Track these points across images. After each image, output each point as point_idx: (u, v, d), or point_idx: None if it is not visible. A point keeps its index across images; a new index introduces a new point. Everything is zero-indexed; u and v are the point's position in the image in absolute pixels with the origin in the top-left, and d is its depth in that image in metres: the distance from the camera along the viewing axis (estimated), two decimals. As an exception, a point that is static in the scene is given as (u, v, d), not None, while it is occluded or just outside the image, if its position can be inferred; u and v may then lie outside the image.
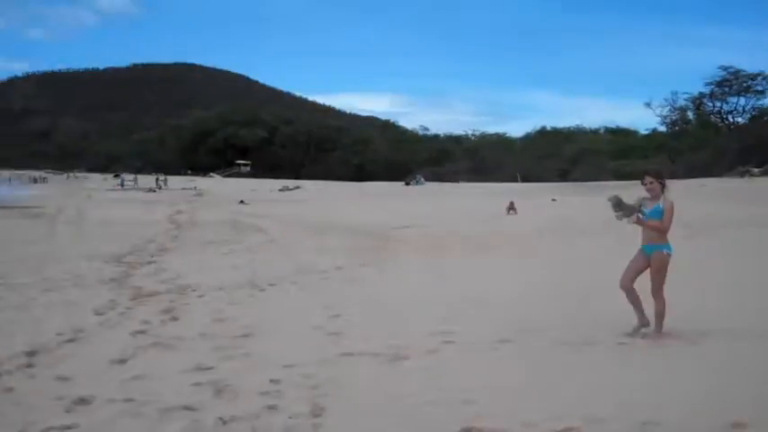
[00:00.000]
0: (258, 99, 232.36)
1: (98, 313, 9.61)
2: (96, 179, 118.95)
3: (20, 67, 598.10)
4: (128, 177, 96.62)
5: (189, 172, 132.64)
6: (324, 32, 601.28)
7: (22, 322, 9.11)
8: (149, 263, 15.73)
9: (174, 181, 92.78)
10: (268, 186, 79.67)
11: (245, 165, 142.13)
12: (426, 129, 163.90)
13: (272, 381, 6.37)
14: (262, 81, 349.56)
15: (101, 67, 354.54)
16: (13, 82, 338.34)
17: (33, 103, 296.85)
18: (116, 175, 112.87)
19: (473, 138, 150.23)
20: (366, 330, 8.52)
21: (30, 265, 15.31)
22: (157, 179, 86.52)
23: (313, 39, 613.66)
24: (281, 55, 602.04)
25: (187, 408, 5.69)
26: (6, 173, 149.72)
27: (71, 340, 8.04)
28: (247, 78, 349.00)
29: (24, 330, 8.54)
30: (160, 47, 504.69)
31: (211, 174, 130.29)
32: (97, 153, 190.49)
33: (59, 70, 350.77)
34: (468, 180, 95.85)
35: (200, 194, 63.36)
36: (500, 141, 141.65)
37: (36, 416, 5.53)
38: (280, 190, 72.55)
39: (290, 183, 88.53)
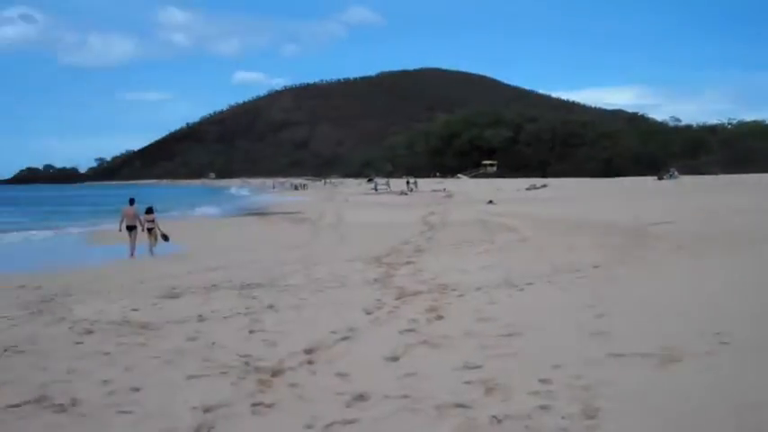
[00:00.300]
0: (502, 99, 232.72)
1: (367, 312, 10.07)
2: (351, 184, 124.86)
3: (278, 83, 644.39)
4: (380, 181, 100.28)
5: (437, 174, 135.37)
6: (564, 28, 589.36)
7: (298, 322, 9.74)
8: (407, 263, 16.17)
9: (424, 183, 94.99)
10: (515, 185, 79.52)
11: (491, 165, 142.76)
12: (677, 119, 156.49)
13: (541, 380, 6.35)
14: (504, 81, 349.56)
15: (351, 77, 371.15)
16: (273, 96, 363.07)
17: (292, 116, 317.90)
18: (369, 180, 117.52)
19: (729, 126, 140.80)
20: (632, 330, 8.23)
21: (298, 267, 16.34)
22: (408, 182, 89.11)
23: (554, 35, 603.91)
24: (522, 53, 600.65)
25: (460, 405, 5.82)
26: (270, 181, 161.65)
27: (345, 338, 8.47)
28: (491, 79, 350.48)
29: (301, 329, 9.11)
30: (405, 54, 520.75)
31: (459, 175, 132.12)
32: (351, 159, 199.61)
33: (314, 83, 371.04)
34: (727, 172, 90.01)
35: (449, 196, 64.45)
36: (761, 129, 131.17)
37: (320, 410, 5.89)
38: (527, 189, 72.17)
39: (537, 181, 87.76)
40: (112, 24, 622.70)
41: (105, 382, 6.95)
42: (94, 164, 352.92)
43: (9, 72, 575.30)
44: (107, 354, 8.14)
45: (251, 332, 9.09)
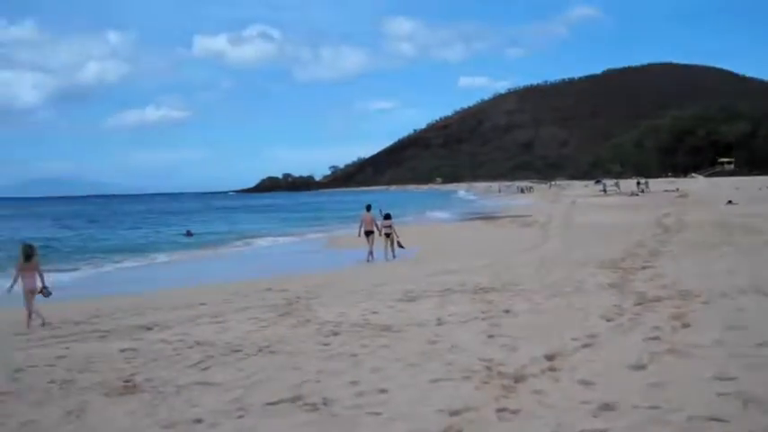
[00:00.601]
0: (738, 91, 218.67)
1: (607, 319, 9.83)
2: (577, 186, 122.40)
3: (502, 86, 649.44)
4: (609, 182, 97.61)
5: (669, 174, 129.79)
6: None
7: (536, 327, 9.69)
8: (644, 267, 15.61)
9: (655, 183, 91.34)
10: (756, 184, 74.52)
11: (728, 162, 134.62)
12: None
13: (805, 395, 5.93)
14: (744, 73, 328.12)
15: (575, 77, 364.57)
16: (497, 100, 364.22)
17: (516, 118, 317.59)
18: (597, 181, 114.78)
19: None
20: None
21: (530, 270, 16.28)
22: (639, 182, 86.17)
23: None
24: (760, 42, 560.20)
25: (715, 419, 5.55)
26: (496, 185, 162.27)
27: (586, 345, 8.32)
28: (725, 71, 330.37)
29: (540, 335, 9.07)
30: (631, 50, 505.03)
31: (693, 174, 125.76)
32: (577, 160, 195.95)
33: (537, 84, 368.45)
34: None
35: (683, 196, 61.57)
36: None
37: (566, 418, 5.82)
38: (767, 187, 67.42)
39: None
40: (344, 38, 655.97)
41: (353, 382, 7.28)
42: (328, 172, 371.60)
43: (251, 88, 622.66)
44: (353, 355, 8.53)
45: (490, 336, 9.16)
